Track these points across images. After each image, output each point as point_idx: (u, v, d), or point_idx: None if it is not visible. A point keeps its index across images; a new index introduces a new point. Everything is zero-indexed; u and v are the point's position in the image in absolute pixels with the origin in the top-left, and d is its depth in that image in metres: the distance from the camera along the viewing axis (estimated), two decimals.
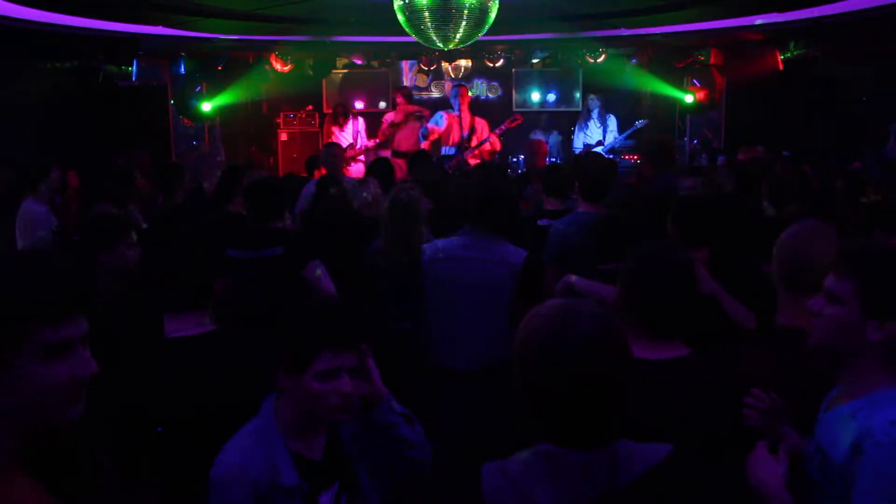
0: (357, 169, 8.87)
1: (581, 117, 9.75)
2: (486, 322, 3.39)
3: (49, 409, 1.23)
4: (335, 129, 9.58)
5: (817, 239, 2.20)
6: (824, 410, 1.83)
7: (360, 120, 9.71)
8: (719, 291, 2.90)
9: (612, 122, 9.40)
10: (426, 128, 8.48)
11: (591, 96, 9.53)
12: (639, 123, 9.12)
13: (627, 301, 2.09)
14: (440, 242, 3.57)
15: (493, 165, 6.98)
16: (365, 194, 4.66)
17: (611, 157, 8.74)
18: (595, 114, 9.46)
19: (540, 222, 4.41)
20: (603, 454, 1.42)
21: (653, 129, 9.36)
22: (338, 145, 7.50)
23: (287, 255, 3.73)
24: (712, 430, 1.94)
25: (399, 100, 9.40)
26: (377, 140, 9.42)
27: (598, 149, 9.06)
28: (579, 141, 9.53)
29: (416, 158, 6.37)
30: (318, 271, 3.73)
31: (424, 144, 8.43)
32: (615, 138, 9.27)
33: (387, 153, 8.99)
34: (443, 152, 8.42)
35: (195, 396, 2.09)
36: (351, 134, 9.48)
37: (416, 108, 9.45)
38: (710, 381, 2.03)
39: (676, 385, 1.99)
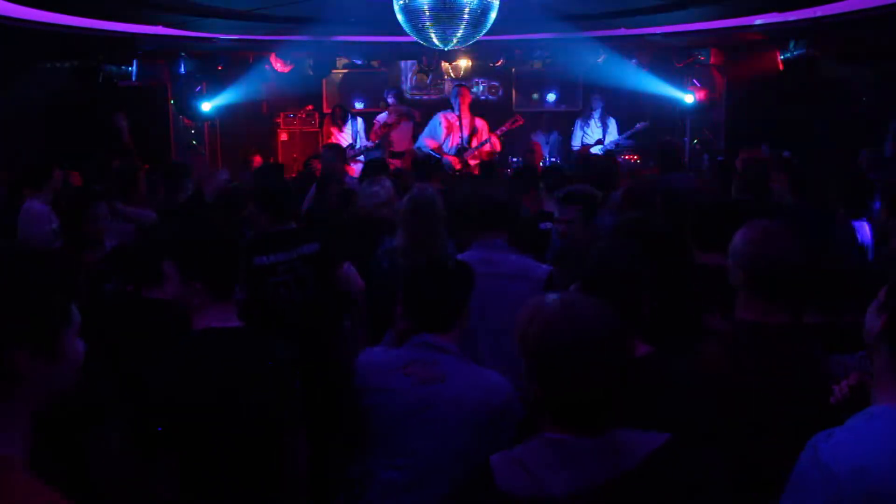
0: (357, 169, 8.87)
1: (582, 115, 9.71)
2: (505, 344, 3.00)
3: (71, 384, 1.30)
4: (334, 130, 9.57)
5: (773, 240, 2.22)
6: None
7: (360, 120, 9.71)
8: None
9: (613, 124, 9.39)
10: (423, 142, 8.45)
11: (596, 96, 9.51)
12: (639, 126, 9.12)
13: None
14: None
15: (492, 166, 6.98)
16: (379, 191, 4.51)
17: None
18: (597, 114, 9.44)
19: (542, 225, 4.34)
20: (608, 440, 1.50)
21: (653, 129, 9.35)
22: (338, 146, 7.52)
23: (323, 252, 3.69)
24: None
25: (390, 101, 9.40)
26: (371, 141, 9.41)
27: (597, 148, 9.06)
28: (578, 140, 9.52)
29: (428, 163, 6.33)
30: (351, 269, 3.74)
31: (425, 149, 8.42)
32: (614, 139, 9.27)
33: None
34: (444, 150, 8.42)
35: (220, 390, 2.11)
36: (350, 134, 9.47)
37: (406, 108, 9.45)
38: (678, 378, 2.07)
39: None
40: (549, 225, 4.22)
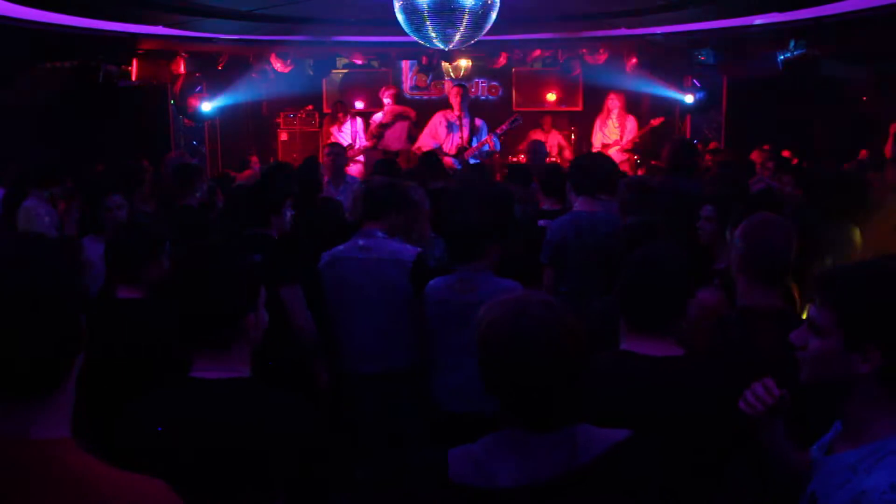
0: (356, 169, 8.87)
1: (601, 116, 9.63)
2: (383, 325, 3.46)
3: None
4: (334, 129, 9.56)
5: (771, 230, 2.39)
6: (824, 452, 1.68)
7: (359, 120, 9.69)
8: None
9: (630, 122, 9.34)
10: (423, 142, 8.42)
11: (612, 96, 9.44)
12: (653, 122, 9.15)
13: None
14: (340, 246, 3.61)
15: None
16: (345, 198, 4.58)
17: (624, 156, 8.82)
18: (615, 114, 9.39)
19: (540, 223, 4.40)
20: (562, 436, 1.52)
21: (653, 129, 9.34)
22: (338, 145, 7.54)
23: (265, 264, 3.00)
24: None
25: (387, 100, 9.38)
26: (367, 141, 9.41)
27: (614, 149, 9.03)
28: (598, 140, 9.46)
29: (425, 161, 6.33)
30: (294, 295, 3.38)
31: (425, 149, 8.41)
32: (630, 138, 9.25)
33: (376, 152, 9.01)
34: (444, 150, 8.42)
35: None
36: (350, 134, 9.46)
37: (402, 108, 9.45)
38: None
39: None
40: (546, 222, 4.28)
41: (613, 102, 9.37)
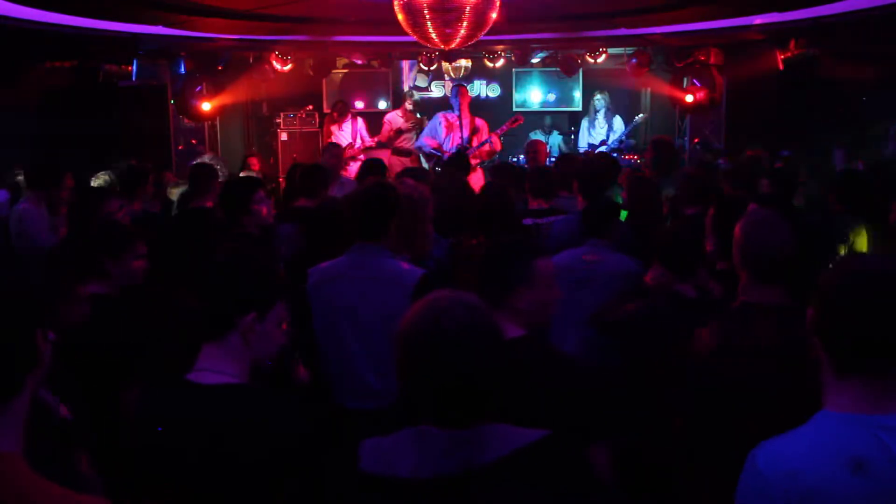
0: (355, 168, 8.86)
1: (587, 116, 9.67)
2: (378, 353, 2.92)
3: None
4: (334, 129, 9.57)
5: (768, 228, 2.43)
6: None
7: (360, 120, 9.70)
8: None
9: (618, 121, 9.36)
10: (423, 142, 8.44)
11: (598, 96, 9.48)
12: (638, 119, 9.14)
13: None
14: (327, 263, 3.11)
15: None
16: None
17: (614, 156, 8.76)
18: (601, 114, 9.41)
19: (524, 222, 4.47)
20: (469, 433, 1.55)
21: (653, 129, 9.35)
22: (338, 145, 7.56)
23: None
24: None
25: (408, 105, 9.48)
26: (377, 139, 9.44)
27: (602, 148, 9.04)
28: (584, 140, 9.49)
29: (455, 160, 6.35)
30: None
31: (425, 149, 8.43)
32: (617, 137, 9.25)
33: (384, 153, 9.02)
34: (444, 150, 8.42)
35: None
36: (350, 134, 9.46)
37: (419, 118, 9.57)
38: None
39: None
40: (531, 221, 4.44)
41: (599, 102, 9.40)
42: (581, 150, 9.43)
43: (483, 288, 2.25)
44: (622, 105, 10.18)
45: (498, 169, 5.88)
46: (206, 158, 7.95)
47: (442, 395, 1.55)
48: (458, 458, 1.53)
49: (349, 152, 8.81)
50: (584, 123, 9.59)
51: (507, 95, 11.47)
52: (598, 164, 5.12)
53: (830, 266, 1.63)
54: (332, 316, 3.02)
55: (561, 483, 1.56)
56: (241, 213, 4.04)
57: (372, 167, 5.56)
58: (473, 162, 8.31)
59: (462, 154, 6.35)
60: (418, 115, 9.74)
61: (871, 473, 1.45)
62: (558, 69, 10.74)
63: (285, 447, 1.79)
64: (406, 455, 1.57)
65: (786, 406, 1.81)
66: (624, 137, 9.24)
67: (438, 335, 1.53)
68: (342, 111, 9.57)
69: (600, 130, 9.35)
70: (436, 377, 1.54)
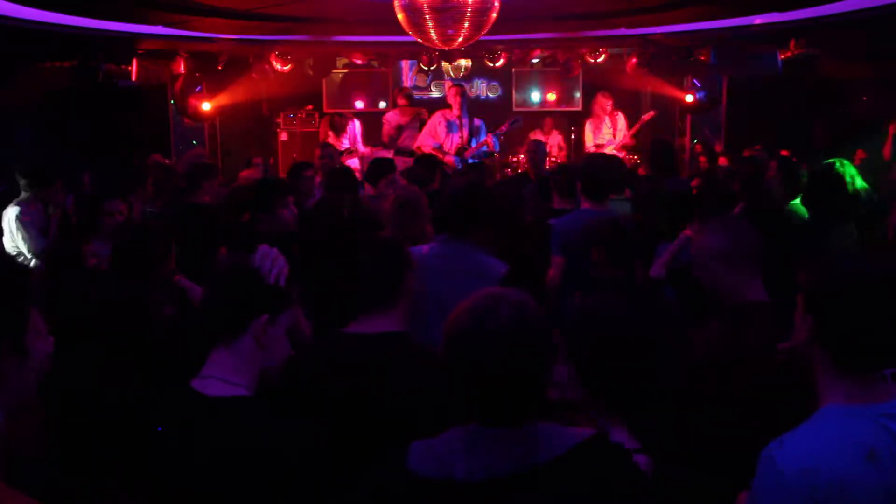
0: (352, 165, 8.82)
1: (592, 120, 9.60)
2: None
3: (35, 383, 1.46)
4: (332, 135, 9.48)
5: (742, 227, 2.50)
6: None
7: (357, 123, 9.62)
8: None
9: (621, 120, 9.33)
10: (423, 142, 8.41)
11: (600, 98, 9.41)
12: (645, 117, 9.13)
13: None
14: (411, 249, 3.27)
15: (479, 166, 6.99)
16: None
17: (621, 155, 8.76)
18: (606, 115, 9.35)
19: (550, 222, 4.39)
20: (521, 432, 1.52)
21: (652, 129, 9.34)
22: (331, 146, 7.56)
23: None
24: None
25: (401, 101, 9.36)
26: (375, 146, 9.34)
27: (609, 148, 9.02)
28: (590, 141, 9.45)
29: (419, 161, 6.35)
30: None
31: (425, 149, 8.41)
32: (623, 136, 9.23)
33: (388, 153, 8.97)
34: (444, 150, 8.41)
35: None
36: (349, 137, 9.41)
37: (416, 109, 9.43)
38: None
39: None
40: (556, 222, 4.31)
41: (602, 104, 9.32)
42: (589, 150, 9.37)
43: None
44: (622, 105, 10.15)
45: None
46: (197, 155, 7.92)
47: (489, 395, 1.53)
48: (515, 458, 1.50)
49: (344, 157, 8.72)
50: (589, 126, 9.53)
51: (507, 95, 11.47)
52: (601, 165, 5.09)
53: (821, 267, 1.70)
54: (420, 301, 3.03)
55: (612, 481, 1.54)
56: (264, 214, 4.03)
57: (384, 167, 5.55)
58: (471, 162, 8.32)
59: (430, 156, 6.30)
60: (414, 108, 9.59)
61: (882, 461, 1.52)
62: (558, 69, 10.75)
63: (287, 466, 1.74)
64: (458, 456, 1.53)
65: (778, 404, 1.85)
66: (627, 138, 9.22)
67: (482, 335, 1.51)
68: (341, 126, 9.41)
69: (606, 130, 9.29)
70: (482, 377, 1.52)
